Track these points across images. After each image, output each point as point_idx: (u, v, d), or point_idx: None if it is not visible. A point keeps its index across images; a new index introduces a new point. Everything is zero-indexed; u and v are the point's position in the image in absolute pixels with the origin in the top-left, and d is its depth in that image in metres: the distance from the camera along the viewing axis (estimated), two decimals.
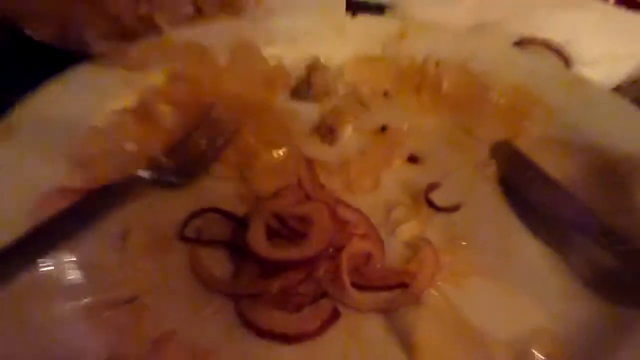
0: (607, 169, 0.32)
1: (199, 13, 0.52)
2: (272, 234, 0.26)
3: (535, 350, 0.23)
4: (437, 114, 0.39)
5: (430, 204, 0.31)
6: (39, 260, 0.23)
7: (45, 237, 0.24)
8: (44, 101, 0.33)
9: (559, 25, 0.48)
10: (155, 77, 0.38)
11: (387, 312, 0.24)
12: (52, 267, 0.23)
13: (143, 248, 0.26)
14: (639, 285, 0.24)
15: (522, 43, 0.44)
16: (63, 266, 0.24)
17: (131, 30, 0.49)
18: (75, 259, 0.25)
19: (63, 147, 0.30)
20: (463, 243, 0.28)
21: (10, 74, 0.48)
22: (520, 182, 0.33)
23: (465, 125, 0.38)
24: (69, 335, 0.19)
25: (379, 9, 0.60)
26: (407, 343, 0.23)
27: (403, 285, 0.25)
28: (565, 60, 0.43)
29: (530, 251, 0.28)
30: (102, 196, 0.28)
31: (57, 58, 0.45)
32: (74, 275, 0.24)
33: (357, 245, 0.26)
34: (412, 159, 0.35)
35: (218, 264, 0.26)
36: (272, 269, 0.24)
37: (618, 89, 0.47)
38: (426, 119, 0.39)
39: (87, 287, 0.24)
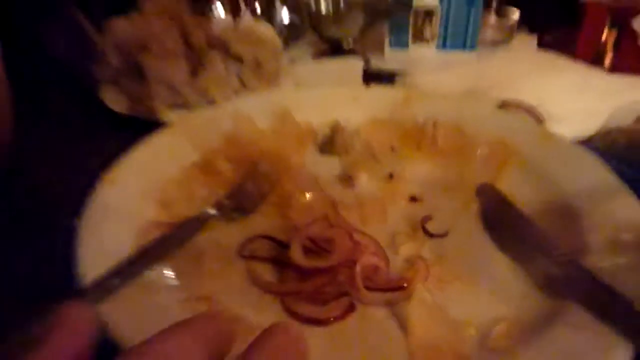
0: (564, 201, 0.41)
1: (243, 86, 0.64)
2: (306, 251, 0.36)
3: (496, 331, 0.32)
4: (433, 163, 0.50)
5: (425, 231, 0.41)
6: (149, 268, 0.34)
7: (151, 254, 0.34)
8: (137, 158, 0.44)
9: (536, 89, 0.58)
10: (214, 140, 0.49)
11: (389, 305, 0.34)
12: (157, 273, 0.34)
13: (214, 263, 0.36)
14: (570, 282, 0.33)
15: (503, 105, 0.54)
16: (163, 274, 0.34)
17: (191, 101, 0.61)
18: (170, 269, 0.35)
19: (153, 192, 0.41)
20: (448, 259, 0.38)
21: (93, 137, 0.60)
22: (496, 215, 0.42)
23: (456, 172, 0.48)
24: (170, 318, 0.29)
25: (391, 77, 0.72)
26: (403, 326, 0.32)
27: (402, 288, 0.34)
28: (538, 118, 0.53)
29: (499, 265, 0.38)
30: (184, 228, 0.38)
31: (131, 124, 0.57)
32: (170, 280, 0.34)
33: (368, 260, 0.36)
34: (413, 199, 0.45)
35: (267, 273, 0.36)
36: (307, 275, 0.34)
37: (590, 140, 0.56)
38: (425, 168, 0.49)
39: (179, 288, 0.34)
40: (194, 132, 0.50)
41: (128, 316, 0.29)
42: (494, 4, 1.01)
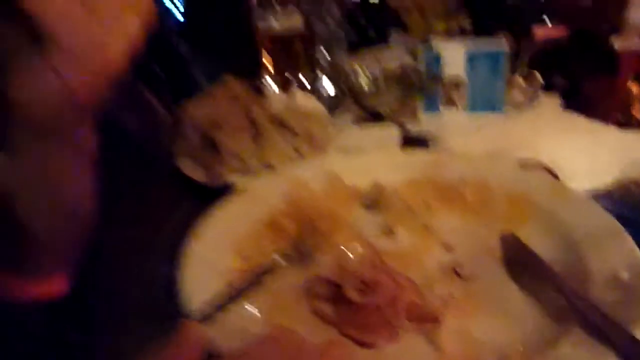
0: (573, 244, 0.49)
1: (298, 154, 0.75)
2: (357, 290, 0.45)
3: (513, 351, 0.39)
4: (463, 216, 0.58)
5: (456, 273, 0.49)
6: (236, 302, 0.43)
7: (237, 292, 0.44)
8: (218, 218, 0.55)
9: (554, 148, 0.66)
10: (277, 201, 0.60)
11: (424, 333, 0.42)
12: (242, 307, 0.44)
13: (284, 299, 0.46)
14: (575, 311, 0.41)
15: (524, 164, 0.63)
16: (247, 307, 0.44)
17: (255, 169, 0.72)
18: (252, 304, 0.45)
19: (232, 246, 0.52)
20: (474, 296, 0.46)
21: (175, 200, 0.72)
22: (516, 259, 0.50)
23: (483, 223, 0.56)
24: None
25: (424, 140, 0.82)
26: (436, 349, 0.40)
27: (435, 319, 0.43)
28: (554, 175, 0.61)
29: (517, 298, 0.45)
30: (259, 273, 0.48)
31: (206, 189, 0.69)
32: (252, 311, 0.44)
33: (408, 297, 0.44)
34: (445, 247, 0.54)
35: (326, 306, 0.45)
36: (359, 308, 0.43)
37: (609, 192, 0.64)
38: (455, 220, 0.58)
39: (259, 317, 0.43)
40: (261, 195, 0.60)
41: (224, 336, 0.38)
42: (521, 68, 1.11)
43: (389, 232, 0.57)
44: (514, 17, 1.39)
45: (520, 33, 1.34)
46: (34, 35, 0.31)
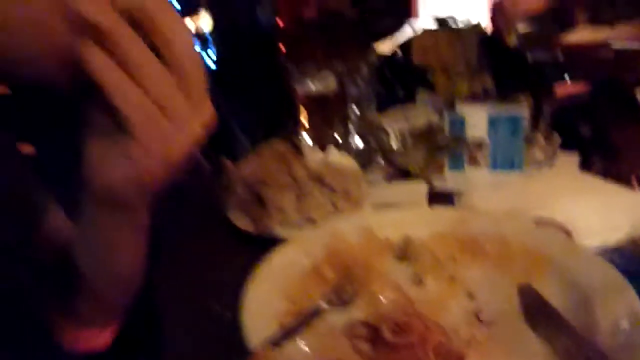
0: (582, 295, 0.56)
1: (336, 209, 0.84)
2: (392, 331, 0.52)
3: None
4: (485, 268, 0.65)
5: (478, 318, 0.56)
6: (289, 340, 0.51)
7: (290, 331, 0.52)
8: (269, 266, 0.64)
9: (568, 207, 0.73)
10: (319, 251, 0.68)
11: None
12: (295, 343, 0.52)
13: (328, 339, 0.53)
14: (583, 354, 0.47)
15: (539, 222, 0.70)
16: (298, 344, 0.52)
17: (298, 222, 0.81)
18: (303, 341, 0.53)
19: (282, 291, 0.60)
20: (495, 338, 0.53)
21: (227, 247, 0.81)
22: (532, 307, 0.57)
23: (502, 274, 0.63)
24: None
25: (450, 197, 0.89)
26: None
27: (460, 358, 0.50)
28: (567, 233, 0.68)
29: (532, 342, 0.52)
30: (307, 315, 0.56)
31: (253, 239, 0.78)
32: (303, 347, 0.52)
33: (436, 339, 0.52)
34: (469, 295, 0.61)
35: (366, 346, 0.52)
36: (394, 347, 0.50)
37: (620, 248, 0.70)
38: (478, 271, 0.65)
39: (309, 353, 0.51)
40: (304, 246, 0.69)
41: None
42: (542, 128, 1.19)
43: (418, 281, 0.64)
44: (535, 78, 1.49)
45: (541, 92, 1.43)
46: (117, 124, 0.38)
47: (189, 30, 0.38)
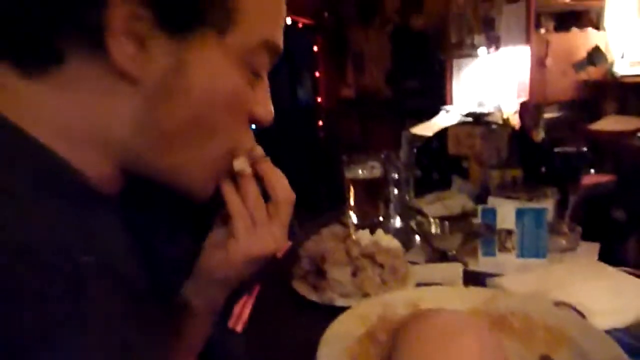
0: None
1: (384, 284, 0.99)
2: None
3: None
4: (510, 339, 0.79)
5: None
6: None
7: None
8: (333, 330, 0.79)
9: (583, 292, 0.87)
10: (373, 319, 0.83)
11: None
12: None
13: None
14: None
15: (558, 304, 0.84)
16: None
17: (354, 294, 0.96)
18: None
19: (345, 352, 0.75)
20: None
21: (291, 314, 0.97)
22: None
23: (526, 346, 0.77)
24: None
25: (483, 278, 1.04)
26: None
27: None
28: (581, 314, 0.81)
29: None
30: None
31: (314, 305, 0.93)
32: None
33: None
34: None
35: None
36: None
37: (629, 329, 0.83)
38: (505, 342, 0.78)
39: None
40: (361, 315, 0.84)
41: None
42: (567, 219, 1.33)
43: None
44: (561, 171, 1.65)
45: (566, 184, 1.59)
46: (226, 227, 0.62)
47: (286, 182, 0.63)
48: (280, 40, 0.54)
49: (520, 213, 1.10)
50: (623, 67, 3.59)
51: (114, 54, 0.44)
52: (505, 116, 2.41)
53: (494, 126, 1.67)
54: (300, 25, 5.66)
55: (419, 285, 1.00)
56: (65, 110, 0.46)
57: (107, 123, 0.47)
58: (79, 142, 0.47)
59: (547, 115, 3.42)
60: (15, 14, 0.42)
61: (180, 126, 0.49)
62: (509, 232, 1.10)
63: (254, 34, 0.50)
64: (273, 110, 0.58)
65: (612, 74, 3.63)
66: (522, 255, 1.09)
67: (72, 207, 0.46)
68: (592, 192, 1.94)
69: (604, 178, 2.15)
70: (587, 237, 1.21)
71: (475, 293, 0.90)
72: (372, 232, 1.15)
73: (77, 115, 0.46)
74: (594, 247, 1.17)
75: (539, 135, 1.66)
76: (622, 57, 3.64)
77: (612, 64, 3.64)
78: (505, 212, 1.11)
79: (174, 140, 0.50)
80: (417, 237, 1.31)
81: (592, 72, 3.57)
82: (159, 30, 0.45)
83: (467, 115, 1.76)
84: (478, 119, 1.79)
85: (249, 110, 0.55)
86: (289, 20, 5.53)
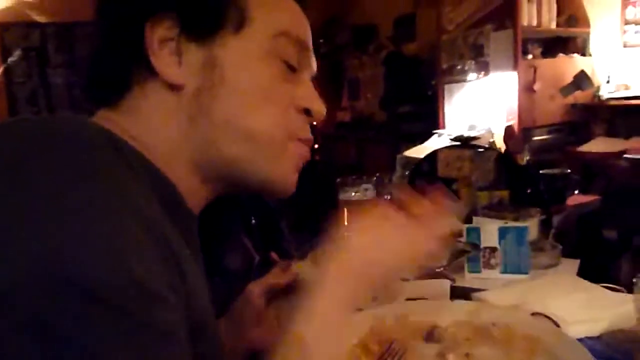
0: None
1: (375, 299, 1.06)
2: None
3: None
4: (492, 347, 0.85)
5: None
6: None
7: None
8: None
9: (560, 304, 0.94)
10: (366, 332, 0.90)
11: None
12: None
13: None
14: None
15: (535, 314, 0.91)
16: None
17: None
18: None
19: None
20: None
21: None
22: None
23: (506, 353, 0.83)
24: None
25: (468, 293, 1.11)
26: None
27: None
28: (556, 324, 0.88)
29: None
30: None
31: None
32: None
33: None
34: None
35: None
36: None
37: (600, 337, 0.89)
38: (487, 350, 0.85)
39: None
40: (353, 326, 0.91)
41: None
42: (551, 238, 1.41)
43: (442, 357, 0.85)
44: (545, 192, 1.73)
45: (550, 205, 1.68)
46: None
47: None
48: (302, 33, 0.58)
49: (503, 231, 1.18)
50: (609, 91, 3.71)
51: (160, 68, 0.52)
52: (494, 139, 2.50)
53: (481, 149, 1.75)
54: None
55: (408, 300, 1.07)
56: (143, 131, 0.52)
57: (173, 133, 0.53)
58: (165, 160, 0.52)
59: (536, 138, 3.53)
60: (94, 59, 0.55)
61: (227, 114, 0.54)
62: (493, 250, 1.18)
63: (268, 27, 0.55)
64: (324, 106, 0.60)
65: (599, 98, 3.75)
66: (505, 271, 1.16)
67: (184, 231, 0.50)
68: (578, 212, 2.02)
69: (590, 198, 2.23)
70: (579, 256, 1.28)
71: (460, 306, 0.97)
72: None
73: (152, 134, 0.52)
74: (574, 263, 1.24)
75: (524, 158, 1.74)
76: (608, 81, 3.77)
77: (598, 88, 3.77)
78: (489, 231, 1.18)
79: (228, 129, 0.54)
80: None
81: (579, 96, 3.69)
82: (187, 40, 0.52)
83: (455, 139, 1.85)
84: (466, 143, 1.87)
85: (296, 104, 0.58)
86: None
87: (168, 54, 0.52)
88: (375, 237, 0.62)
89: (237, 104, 0.54)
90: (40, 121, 0.49)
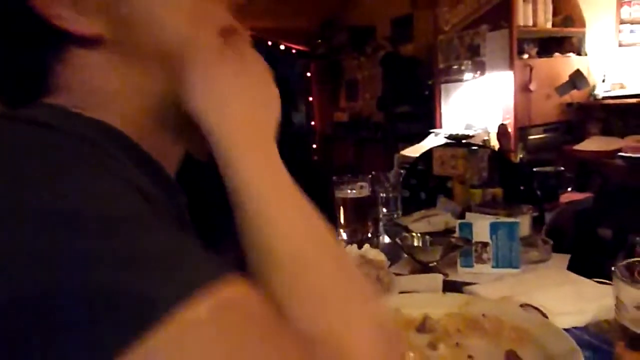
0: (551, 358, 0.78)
1: None
2: None
3: None
4: (482, 338, 0.88)
5: None
6: None
7: None
8: None
9: (548, 296, 0.96)
10: None
11: None
12: None
13: None
14: None
15: (523, 306, 0.93)
16: None
17: None
18: None
19: None
20: None
21: None
22: None
23: (495, 343, 0.86)
24: None
25: (460, 287, 1.13)
26: None
27: None
28: (544, 315, 0.91)
29: None
30: None
31: None
32: None
33: None
34: (469, 357, 0.83)
35: None
36: None
37: (586, 327, 0.92)
38: (477, 341, 0.87)
39: None
40: None
41: None
42: (542, 233, 1.44)
43: (433, 346, 0.87)
44: (538, 189, 1.76)
45: (543, 201, 1.70)
46: None
47: None
48: None
49: (494, 227, 1.20)
50: (605, 90, 3.75)
51: (67, 26, 0.45)
52: (488, 137, 2.52)
53: (474, 148, 1.77)
54: (294, 51, 5.84)
55: (402, 293, 1.09)
56: (93, 103, 0.47)
57: (119, 89, 0.48)
58: (128, 122, 0.48)
59: (532, 137, 3.56)
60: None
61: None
62: (485, 245, 1.20)
63: None
64: None
65: (595, 97, 3.78)
66: (497, 265, 1.18)
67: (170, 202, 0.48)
68: (572, 209, 2.04)
69: (583, 196, 2.26)
70: (574, 253, 1.30)
71: (452, 298, 1.00)
72: (360, 247, 1.25)
73: (101, 104, 0.47)
74: (564, 258, 1.26)
75: (517, 156, 1.77)
76: (604, 80, 3.81)
77: (594, 87, 3.80)
78: (481, 226, 1.20)
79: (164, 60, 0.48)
80: (403, 252, 1.40)
81: (575, 95, 3.72)
82: None
83: (450, 137, 1.87)
84: (460, 141, 1.90)
85: None
86: (282, 47, 5.73)
87: (66, 8, 0.45)
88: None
89: (158, 29, 0.47)
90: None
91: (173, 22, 0.47)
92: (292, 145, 6.17)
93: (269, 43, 5.52)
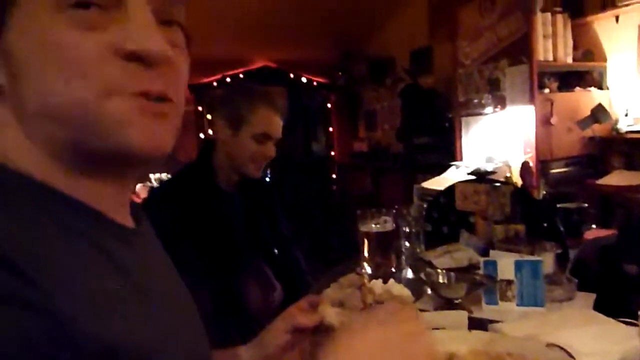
0: None
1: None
2: None
3: None
4: None
5: None
6: None
7: None
8: None
9: (574, 336, 0.97)
10: None
11: None
12: None
13: None
14: None
15: (549, 345, 0.94)
16: None
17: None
18: None
19: None
20: None
21: None
22: None
23: None
24: None
25: (485, 324, 1.14)
26: None
27: None
28: (569, 354, 0.92)
29: None
30: None
31: None
32: None
33: None
34: None
35: None
36: None
37: None
38: None
39: None
40: None
41: None
42: (567, 272, 1.44)
43: None
44: (562, 226, 1.77)
45: (566, 239, 1.71)
46: None
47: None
48: None
49: (518, 265, 1.22)
50: (627, 124, 3.74)
51: None
52: (511, 172, 2.54)
53: (497, 184, 1.79)
54: (315, 83, 5.96)
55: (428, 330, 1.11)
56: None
57: (22, 143, 0.48)
58: (35, 168, 0.48)
59: (554, 171, 3.55)
60: None
61: (36, 100, 0.47)
62: (509, 282, 1.22)
63: None
64: (157, 41, 0.48)
65: (617, 131, 3.77)
66: (521, 303, 1.20)
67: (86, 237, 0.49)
68: (596, 246, 2.04)
69: (608, 232, 2.25)
70: (599, 289, 1.30)
71: (477, 336, 1.01)
72: (385, 282, 1.27)
73: (9, 154, 0.48)
74: (590, 297, 1.27)
75: (540, 192, 1.78)
76: (626, 114, 3.80)
77: (616, 121, 3.79)
78: (505, 264, 1.22)
79: (46, 115, 0.47)
80: (427, 288, 1.42)
81: (597, 129, 3.72)
82: None
83: (472, 173, 1.89)
84: (482, 177, 1.92)
85: (114, 51, 0.47)
86: (304, 79, 5.84)
87: None
88: (379, 341, 0.63)
89: (37, 84, 0.46)
90: None
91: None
92: (312, 175, 6.23)
93: (291, 75, 5.64)
